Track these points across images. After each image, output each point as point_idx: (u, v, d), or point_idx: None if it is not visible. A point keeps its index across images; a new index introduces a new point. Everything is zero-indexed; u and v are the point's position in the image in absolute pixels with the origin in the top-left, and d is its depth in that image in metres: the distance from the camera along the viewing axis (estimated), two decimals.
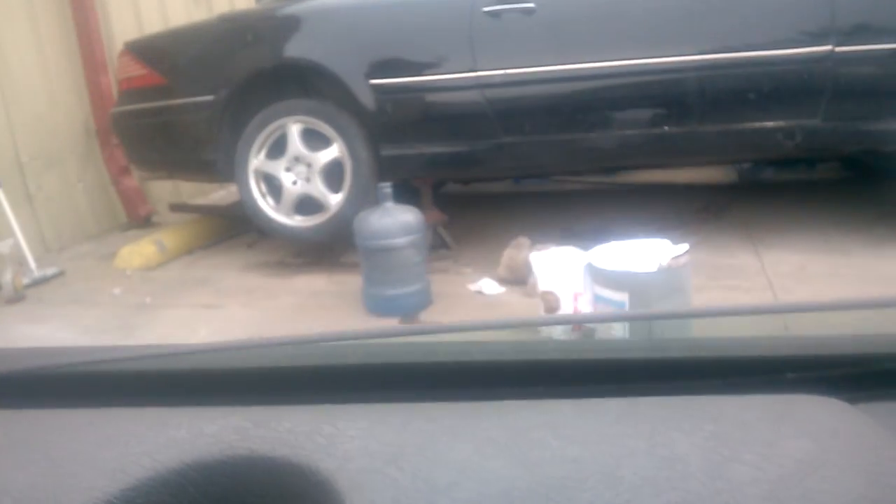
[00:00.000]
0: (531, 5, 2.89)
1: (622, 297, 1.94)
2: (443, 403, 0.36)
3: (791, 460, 0.31)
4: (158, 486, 0.33)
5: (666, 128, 2.86)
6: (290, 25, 3.21)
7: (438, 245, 3.32)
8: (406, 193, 3.06)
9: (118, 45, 3.96)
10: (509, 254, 2.92)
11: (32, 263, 3.46)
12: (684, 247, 1.96)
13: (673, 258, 1.89)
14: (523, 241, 2.94)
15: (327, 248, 3.40)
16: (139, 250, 3.54)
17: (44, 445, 0.36)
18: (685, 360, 0.44)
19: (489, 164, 3.15)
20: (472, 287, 2.87)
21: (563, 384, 0.39)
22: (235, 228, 3.88)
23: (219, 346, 0.50)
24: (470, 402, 0.36)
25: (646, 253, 1.91)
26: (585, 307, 2.19)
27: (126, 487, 0.32)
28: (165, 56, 3.49)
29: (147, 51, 3.56)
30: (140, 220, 4.29)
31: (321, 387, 0.41)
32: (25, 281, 3.28)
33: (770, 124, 2.79)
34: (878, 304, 0.40)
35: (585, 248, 2.21)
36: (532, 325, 0.76)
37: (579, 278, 2.16)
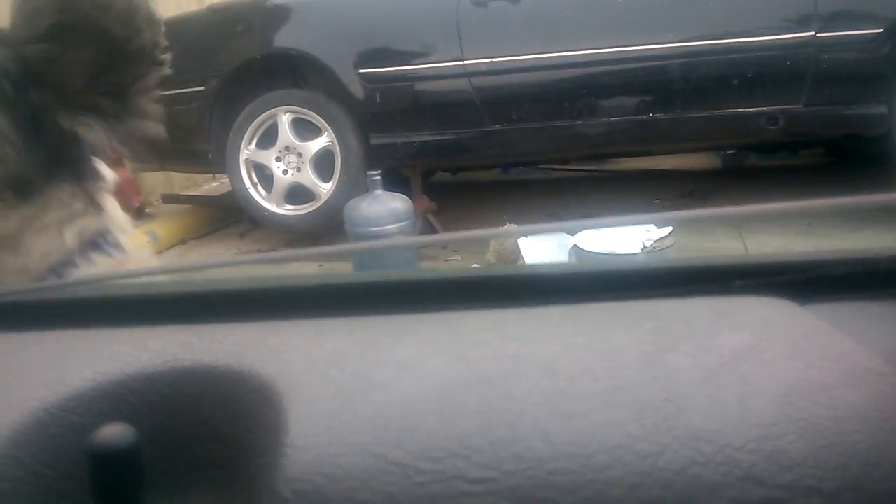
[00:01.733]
0: None
1: None
2: (388, 316, 0.37)
3: (729, 350, 0.31)
4: (98, 397, 0.32)
5: (651, 114, 2.91)
6: (280, 16, 3.24)
7: (427, 232, 3.35)
8: (395, 181, 3.10)
9: None
10: (497, 240, 2.96)
11: None
12: (667, 230, 2.01)
13: (656, 241, 1.93)
14: (511, 227, 2.98)
15: (318, 236, 3.43)
16: (131, 241, 3.55)
17: None
18: (633, 271, 0.44)
19: (477, 152, 3.19)
20: None
21: (511, 297, 0.39)
22: (227, 218, 3.91)
23: (164, 269, 0.50)
24: (416, 314, 0.37)
25: (630, 236, 1.96)
26: None
27: (64, 398, 0.32)
28: None
29: None
30: (132, 211, 4.30)
31: (271, 306, 0.41)
32: None
33: (753, 109, 2.84)
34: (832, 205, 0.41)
35: (570, 232, 2.26)
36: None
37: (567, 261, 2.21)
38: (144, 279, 0.56)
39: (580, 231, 2.09)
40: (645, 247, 1.91)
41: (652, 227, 2.04)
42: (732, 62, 2.80)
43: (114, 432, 0.27)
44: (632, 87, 2.94)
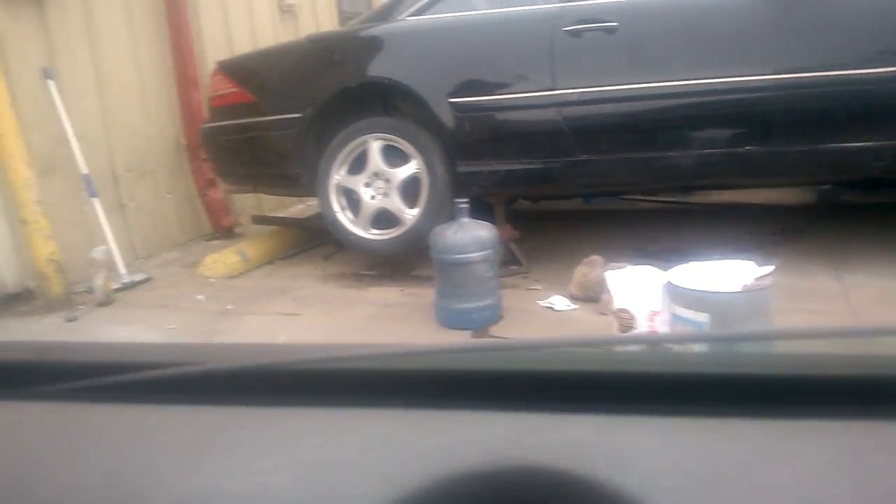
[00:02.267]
0: (613, 24, 2.91)
1: (703, 317, 1.93)
2: (715, 419, 0.34)
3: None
4: (432, 497, 0.31)
5: (748, 147, 2.83)
6: (374, 46, 3.33)
7: (510, 261, 3.35)
8: (479, 209, 3.11)
9: (210, 65, 4.17)
10: (581, 271, 2.93)
11: (122, 269, 3.66)
12: (769, 268, 1.93)
13: (756, 279, 1.87)
14: (596, 258, 2.94)
15: (400, 261, 3.48)
16: (223, 259, 3.69)
17: (298, 445, 0.36)
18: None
19: (564, 182, 3.17)
20: (543, 303, 2.89)
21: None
22: (313, 240, 4.01)
23: (456, 348, 0.47)
24: (771, 419, 0.33)
25: (728, 273, 1.90)
26: (662, 327, 2.18)
27: (399, 497, 0.31)
28: (255, 75, 3.66)
29: (238, 70, 3.73)
30: (223, 231, 4.47)
31: (594, 395, 0.37)
32: (115, 285, 3.46)
33: (858, 145, 2.73)
34: None
35: (660, 267, 2.20)
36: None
37: (656, 297, 2.15)
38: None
39: (673, 267, 2.04)
40: (745, 285, 1.85)
41: (752, 263, 1.97)
42: (836, 95, 2.70)
43: None
44: (728, 119, 2.88)
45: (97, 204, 3.68)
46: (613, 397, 0.38)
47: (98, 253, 3.33)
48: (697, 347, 0.45)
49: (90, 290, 3.35)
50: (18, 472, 0.35)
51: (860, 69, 2.67)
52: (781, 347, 0.45)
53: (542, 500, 0.31)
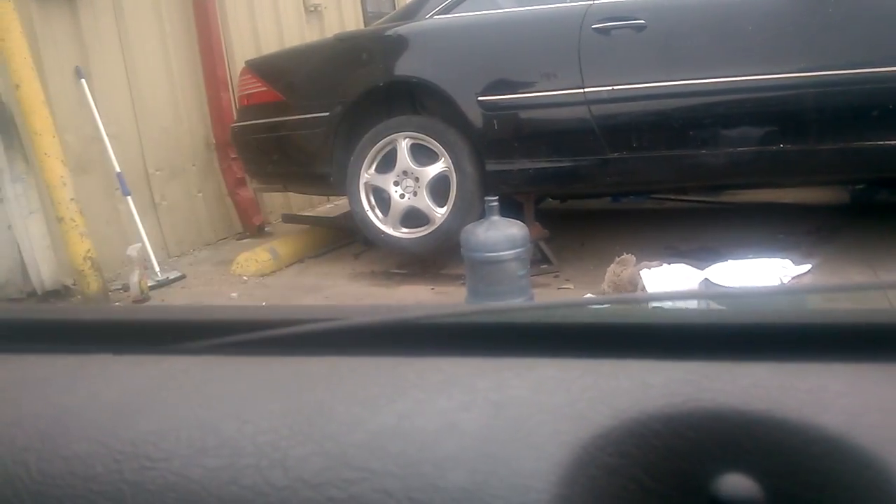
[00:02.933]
0: (641, 21, 2.89)
1: None
2: None
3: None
4: (624, 436, 0.32)
5: (781, 145, 2.80)
6: (402, 44, 3.34)
7: (540, 260, 3.34)
8: (508, 208, 3.11)
9: (238, 64, 4.21)
10: (614, 270, 2.91)
11: (157, 267, 3.71)
12: (806, 267, 1.91)
13: (794, 278, 1.85)
14: (628, 257, 2.92)
15: (429, 260, 3.49)
16: (255, 257, 3.73)
17: (474, 388, 0.36)
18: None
19: (594, 180, 3.16)
20: None
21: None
22: (343, 239, 4.03)
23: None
24: None
25: (765, 272, 1.88)
26: None
27: (595, 434, 0.31)
28: (284, 74, 3.68)
29: (266, 69, 3.76)
30: (253, 230, 4.51)
31: (786, 343, 0.38)
32: (150, 283, 3.51)
33: (893, 143, 2.69)
34: None
35: (694, 266, 2.19)
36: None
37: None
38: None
39: (710, 265, 2.03)
40: (783, 283, 1.83)
41: (789, 262, 1.95)
42: (872, 92, 2.66)
43: (739, 485, 0.28)
44: (761, 117, 2.85)
45: (131, 202, 3.73)
46: (792, 345, 0.38)
47: (133, 251, 3.37)
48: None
49: (126, 288, 3.40)
50: (180, 419, 0.36)
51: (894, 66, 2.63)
52: None
53: (739, 442, 0.32)
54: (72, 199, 3.33)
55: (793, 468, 0.31)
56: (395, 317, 0.45)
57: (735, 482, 0.28)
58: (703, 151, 2.90)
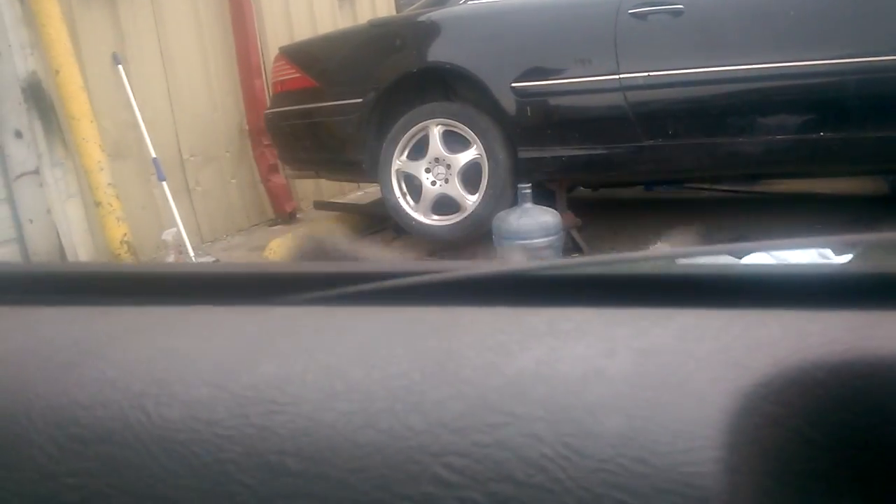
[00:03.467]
0: (679, 6, 2.85)
1: None
2: None
3: None
4: (786, 385, 0.30)
5: (822, 133, 2.74)
6: (435, 31, 3.32)
7: (571, 248, 3.32)
8: (540, 196, 3.09)
9: (272, 51, 4.24)
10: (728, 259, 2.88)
11: (191, 252, 3.75)
12: (847, 256, 1.87)
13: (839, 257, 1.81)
14: (662, 247, 2.89)
15: (461, 247, 3.48)
16: (287, 244, 3.75)
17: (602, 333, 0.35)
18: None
19: (628, 168, 3.13)
20: None
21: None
22: (374, 226, 4.04)
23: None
24: None
25: (806, 262, 1.85)
26: None
27: (757, 383, 0.30)
28: (317, 60, 3.70)
29: (300, 55, 3.78)
30: (285, 216, 4.55)
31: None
32: None
33: None
34: None
35: (732, 255, 2.15)
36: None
37: None
38: None
39: (749, 254, 1.99)
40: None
41: (829, 252, 1.91)
42: None
43: None
44: (801, 105, 2.79)
45: (166, 187, 3.78)
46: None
47: (168, 235, 3.42)
48: None
49: None
50: (303, 364, 0.35)
51: None
52: None
53: None
54: (109, 184, 3.38)
55: None
56: (509, 268, 0.44)
57: None
58: (741, 139, 2.86)
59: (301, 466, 0.30)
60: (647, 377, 0.31)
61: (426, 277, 0.42)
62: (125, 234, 3.40)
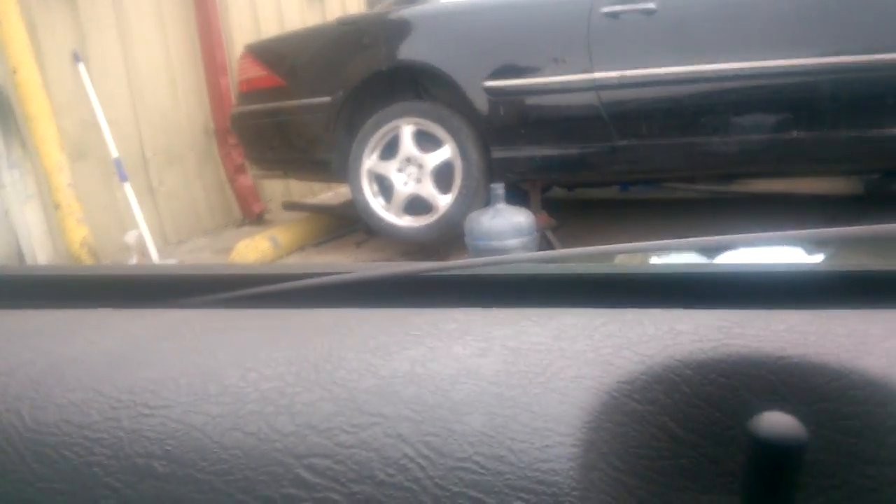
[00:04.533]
0: (651, 6, 2.82)
1: None
2: None
3: None
4: (651, 382, 0.31)
5: (795, 133, 2.73)
6: (406, 28, 3.26)
7: (546, 249, 3.28)
8: (514, 196, 3.05)
9: (238, 48, 4.14)
10: (621, 260, 2.85)
11: (154, 254, 3.65)
12: (818, 257, 1.85)
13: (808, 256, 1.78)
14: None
15: (433, 248, 3.43)
16: (254, 245, 3.67)
17: (491, 336, 0.35)
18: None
19: (602, 168, 3.10)
20: None
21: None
22: (345, 227, 3.97)
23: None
24: None
25: (776, 262, 1.82)
26: None
27: (622, 380, 0.30)
28: (285, 58, 3.61)
29: (266, 53, 3.69)
30: (253, 217, 4.45)
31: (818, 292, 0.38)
32: None
33: None
34: None
35: (703, 256, 2.13)
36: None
37: None
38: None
39: (721, 255, 1.96)
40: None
41: (800, 250, 1.89)
42: (888, 79, 2.59)
43: (782, 423, 0.27)
44: (774, 105, 2.78)
45: (128, 188, 3.67)
46: (827, 294, 0.38)
47: (130, 237, 3.32)
48: None
49: None
50: (180, 367, 0.36)
51: None
52: None
53: (773, 388, 0.30)
54: (69, 185, 3.27)
55: (832, 413, 0.30)
56: (405, 269, 0.44)
57: (777, 419, 0.27)
58: (714, 139, 2.84)
59: (167, 469, 0.30)
60: (516, 375, 0.32)
61: (320, 280, 0.44)
62: (85, 237, 3.29)
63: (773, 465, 0.27)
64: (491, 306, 0.39)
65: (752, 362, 0.31)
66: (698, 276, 0.41)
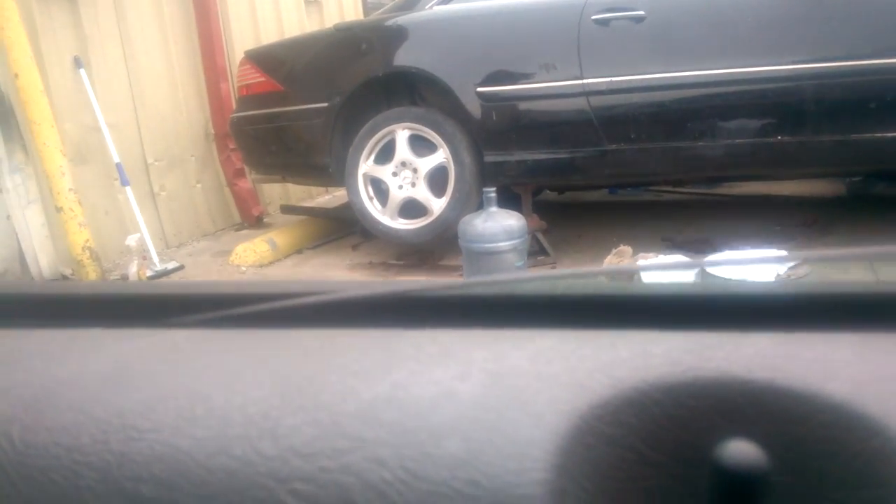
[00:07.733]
0: (641, 13, 2.90)
1: None
2: None
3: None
4: (623, 405, 0.32)
5: (779, 137, 2.81)
6: (401, 35, 3.33)
7: (537, 251, 3.35)
8: (506, 199, 3.12)
9: (238, 54, 4.21)
10: (610, 261, 2.93)
11: (155, 257, 3.71)
12: (800, 272, 1.92)
13: (790, 269, 1.86)
14: (625, 249, 2.94)
15: (427, 251, 3.50)
16: (253, 248, 3.73)
17: (470, 359, 0.36)
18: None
19: (592, 172, 3.17)
20: None
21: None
22: (341, 230, 4.04)
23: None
24: None
25: (761, 263, 1.90)
26: None
27: (594, 404, 0.31)
28: (283, 64, 3.68)
29: (266, 59, 3.76)
30: (252, 221, 4.52)
31: (787, 315, 0.38)
32: (149, 273, 3.51)
33: (891, 135, 2.70)
34: None
35: (690, 257, 2.20)
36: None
37: None
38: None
39: (706, 256, 2.04)
40: (779, 275, 1.85)
41: (785, 254, 1.96)
42: (870, 84, 2.67)
43: (743, 451, 0.27)
44: (759, 109, 2.85)
45: (130, 192, 3.74)
46: (796, 316, 0.37)
47: (132, 241, 3.38)
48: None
49: (124, 278, 3.41)
50: (169, 389, 0.36)
51: (894, 58, 2.63)
52: None
53: (742, 411, 0.31)
54: (70, 189, 3.33)
55: (798, 437, 0.31)
56: (389, 289, 0.45)
57: (739, 448, 0.27)
58: (701, 143, 2.91)
59: (154, 493, 0.31)
60: (493, 399, 0.32)
61: (310, 300, 0.43)
62: (87, 240, 3.35)
63: (735, 492, 0.27)
64: (473, 326, 0.40)
65: (721, 386, 0.32)
66: (672, 298, 0.41)
